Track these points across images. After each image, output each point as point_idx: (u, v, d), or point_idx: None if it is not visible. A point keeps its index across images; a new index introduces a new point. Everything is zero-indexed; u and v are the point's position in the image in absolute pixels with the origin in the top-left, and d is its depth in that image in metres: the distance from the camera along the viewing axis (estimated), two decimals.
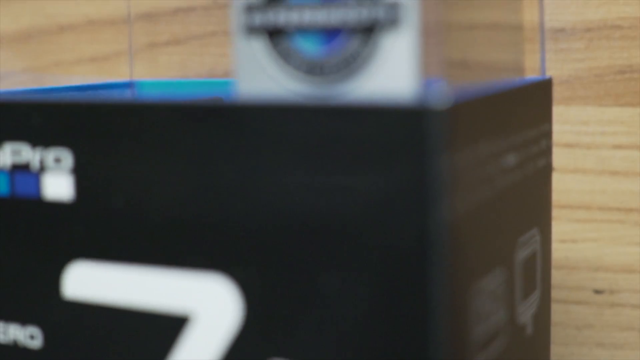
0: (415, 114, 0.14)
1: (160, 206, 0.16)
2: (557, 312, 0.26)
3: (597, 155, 0.26)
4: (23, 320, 0.18)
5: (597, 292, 0.26)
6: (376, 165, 0.14)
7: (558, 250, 0.26)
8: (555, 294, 0.26)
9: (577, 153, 0.26)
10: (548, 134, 0.20)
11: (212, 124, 0.15)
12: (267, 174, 0.15)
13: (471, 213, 0.15)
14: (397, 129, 0.14)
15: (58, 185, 0.17)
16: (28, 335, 0.18)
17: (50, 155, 0.17)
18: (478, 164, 0.15)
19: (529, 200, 0.19)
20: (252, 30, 0.15)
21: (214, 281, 0.16)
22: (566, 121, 0.26)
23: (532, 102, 0.19)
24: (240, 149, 0.15)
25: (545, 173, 0.20)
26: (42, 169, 0.17)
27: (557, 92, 0.26)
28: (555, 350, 0.26)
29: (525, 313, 0.18)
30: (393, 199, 0.14)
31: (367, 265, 0.14)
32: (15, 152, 0.17)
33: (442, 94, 0.14)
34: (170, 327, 0.16)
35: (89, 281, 0.17)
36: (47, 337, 0.18)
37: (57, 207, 0.17)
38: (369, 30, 0.14)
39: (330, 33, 0.15)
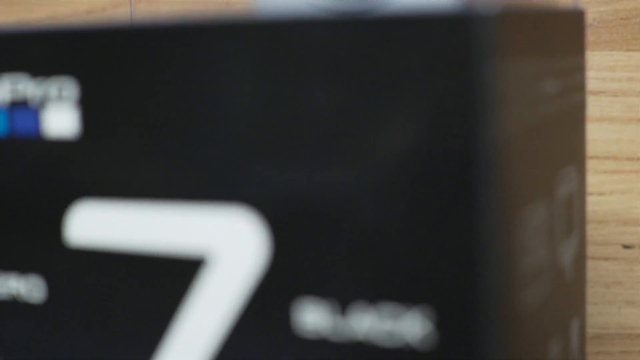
0: (462, 21, 0.13)
1: (176, 135, 0.15)
2: None
3: (625, 103, 0.24)
4: (24, 269, 0.17)
5: (626, 247, 0.25)
6: (420, 79, 0.13)
7: None
8: None
9: (603, 101, 0.25)
10: (582, 69, 0.19)
11: (231, 43, 0.14)
12: (295, 95, 0.14)
13: (516, 135, 0.14)
14: (443, 39, 0.13)
15: (61, 121, 0.16)
16: (30, 288, 0.16)
17: (53, 86, 0.16)
18: (522, 84, 0.14)
19: (566, 134, 0.17)
20: None
21: (236, 216, 0.14)
22: (591, 67, 0.25)
23: (568, 30, 0.18)
24: (261, 70, 0.14)
25: (580, 109, 0.19)
26: (43, 103, 0.16)
27: None
28: None
29: (566, 255, 0.17)
30: (439, 115, 0.13)
31: (408, 190, 0.13)
32: (14, 85, 0.16)
33: (488, 1, 0.13)
34: (186, 270, 0.15)
35: (95, 224, 0.16)
36: (50, 289, 0.16)
37: (59, 145, 0.16)
38: None
39: None
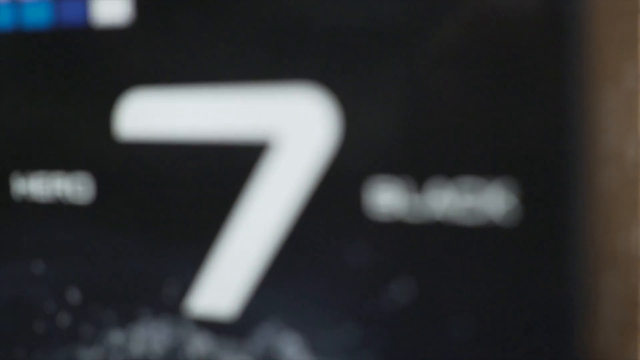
0: None
1: (235, 13, 0.14)
2: None
3: None
4: (69, 167, 0.16)
5: None
6: None
7: None
8: None
9: None
10: None
11: None
12: None
13: (597, 6, 0.13)
14: None
15: (111, 7, 0.15)
16: (76, 188, 0.16)
17: None
18: None
19: (627, 30, 0.17)
20: None
21: (302, 94, 0.14)
22: None
23: None
24: None
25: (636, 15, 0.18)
26: None
27: None
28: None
29: (628, 153, 0.17)
30: None
31: (490, 54, 0.13)
32: None
33: None
34: (248, 157, 0.15)
35: (148, 114, 0.15)
36: (99, 187, 0.16)
37: (109, 34, 0.15)
38: None
39: None
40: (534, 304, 0.13)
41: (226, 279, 0.15)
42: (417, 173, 0.13)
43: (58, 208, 0.16)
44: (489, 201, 0.13)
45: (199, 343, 0.15)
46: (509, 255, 0.13)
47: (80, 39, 0.16)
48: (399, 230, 0.14)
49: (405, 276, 0.14)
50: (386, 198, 0.14)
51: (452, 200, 0.13)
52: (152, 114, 0.15)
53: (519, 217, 0.13)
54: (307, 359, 0.14)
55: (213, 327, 0.15)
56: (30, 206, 0.17)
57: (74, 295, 0.16)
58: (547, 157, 0.13)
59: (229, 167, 0.15)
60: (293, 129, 0.14)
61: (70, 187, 0.16)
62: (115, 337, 0.16)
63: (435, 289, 0.14)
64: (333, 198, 0.14)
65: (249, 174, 0.15)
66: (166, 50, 0.15)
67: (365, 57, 0.14)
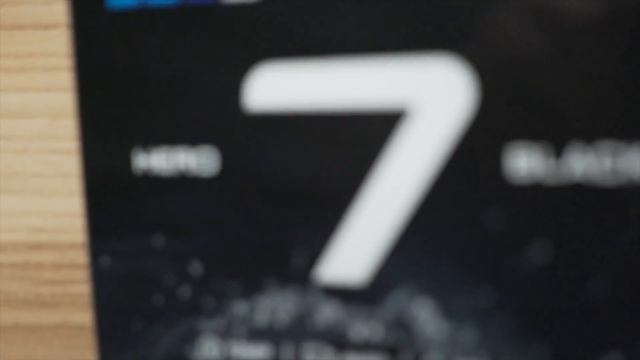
0: None
1: None
2: None
3: None
4: (194, 141, 0.17)
5: None
6: None
7: None
8: None
9: None
10: None
11: None
12: None
13: None
14: None
15: None
16: (201, 161, 0.17)
17: None
18: None
19: None
20: None
21: (440, 64, 0.15)
22: None
23: None
24: None
25: None
26: None
27: None
28: None
29: None
30: None
31: (629, 23, 0.14)
32: None
33: None
34: (382, 125, 0.16)
35: (278, 86, 0.16)
36: (225, 160, 0.17)
37: (239, 9, 0.16)
38: None
39: None
40: None
41: (357, 246, 0.16)
42: (556, 138, 0.14)
43: (181, 181, 0.17)
44: (628, 162, 0.14)
45: (328, 311, 0.16)
46: None
47: (209, 15, 0.16)
48: (537, 193, 0.15)
49: (544, 239, 0.15)
50: (524, 163, 0.15)
51: (591, 163, 0.14)
52: (281, 87, 0.16)
53: None
54: (441, 324, 0.15)
55: (343, 294, 0.16)
56: (151, 180, 0.17)
57: (195, 268, 0.17)
58: None
59: (362, 136, 0.16)
60: (430, 97, 0.15)
61: (195, 160, 0.17)
62: (239, 308, 0.17)
63: (574, 251, 0.14)
64: (470, 163, 0.15)
65: (384, 143, 0.15)
66: (296, 23, 0.16)
67: (503, 24, 0.14)
